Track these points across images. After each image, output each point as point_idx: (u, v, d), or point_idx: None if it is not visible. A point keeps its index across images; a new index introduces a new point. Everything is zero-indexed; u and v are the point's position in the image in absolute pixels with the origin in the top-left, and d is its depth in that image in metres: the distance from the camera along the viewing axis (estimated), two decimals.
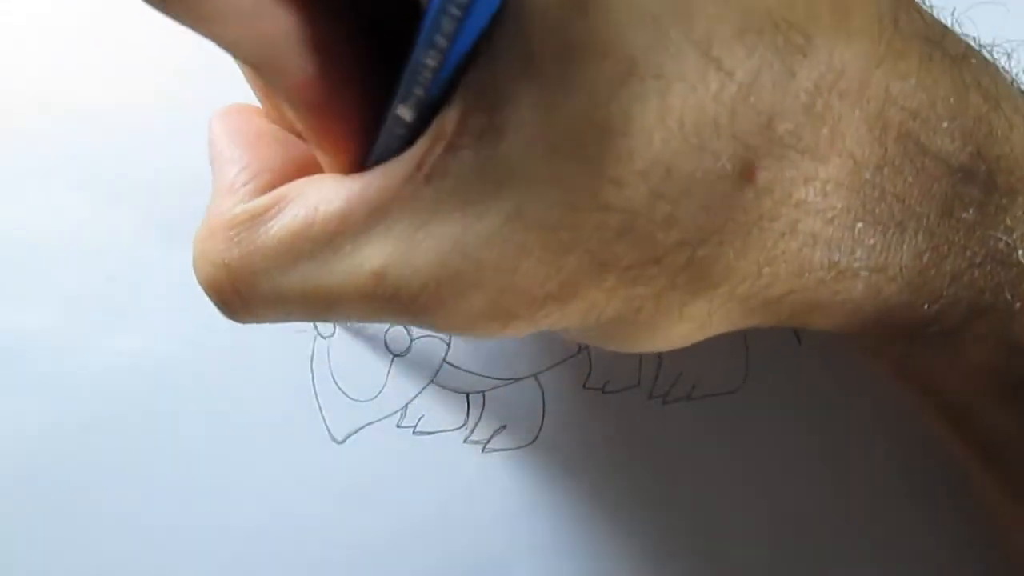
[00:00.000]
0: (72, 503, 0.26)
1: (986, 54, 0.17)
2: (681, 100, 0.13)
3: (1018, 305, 0.16)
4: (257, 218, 0.16)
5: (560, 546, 0.26)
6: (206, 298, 0.22)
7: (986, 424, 0.19)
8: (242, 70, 0.18)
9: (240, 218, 0.16)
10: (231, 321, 0.17)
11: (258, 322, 0.17)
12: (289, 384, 0.26)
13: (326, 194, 0.15)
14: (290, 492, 0.26)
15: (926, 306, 0.16)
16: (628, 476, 0.26)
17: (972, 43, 0.16)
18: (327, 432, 0.26)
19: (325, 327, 0.26)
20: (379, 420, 0.26)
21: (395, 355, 0.26)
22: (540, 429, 0.26)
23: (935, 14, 0.16)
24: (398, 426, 0.26)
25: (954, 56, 0.15)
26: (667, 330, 0.16)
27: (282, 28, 0.14)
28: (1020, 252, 0.16)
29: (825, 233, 0.15)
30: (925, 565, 0.26)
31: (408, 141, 0.15)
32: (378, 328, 0.26)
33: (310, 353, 0.26)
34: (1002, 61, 0.17)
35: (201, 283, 0.17)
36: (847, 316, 0.17)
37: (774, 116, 0.13)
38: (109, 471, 0.26)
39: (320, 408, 0.26)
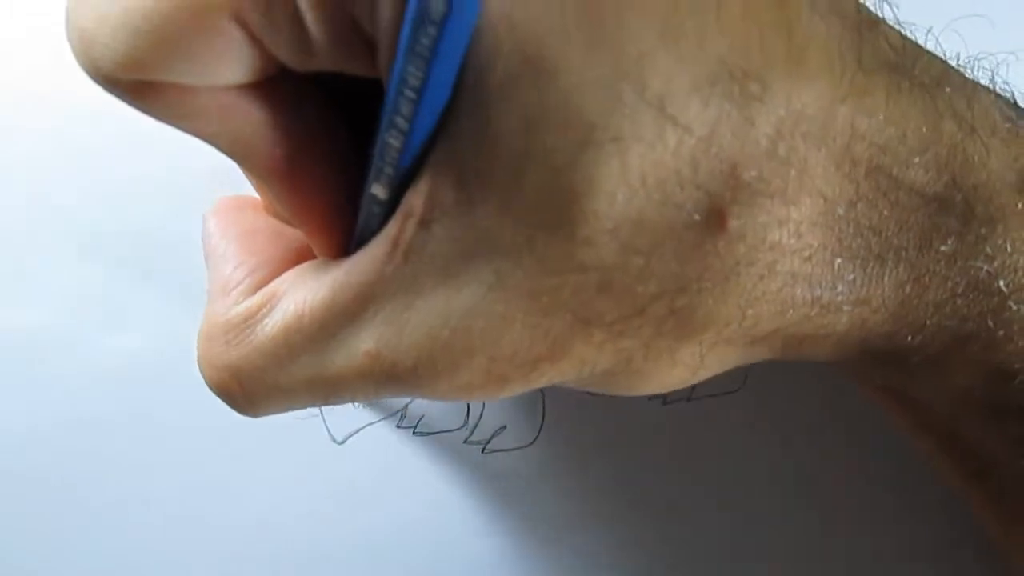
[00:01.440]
0: (70, 503, 0.26)
1: (967, 71, 0.16)
2: (640, 159, 0.13)
3: (1001, 333, 0.16)
4: (251, 319, 0.16)
5: (560, 546, 0.26)
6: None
7: (975, 448, 0.19)
8: None
9: (234, 321, 0.17)
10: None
11: (268, 414, 0.18)
12: None
13: (312, 285, 0.16)
14: (290, 493, 0.26)
15: (910, 337, 0.16)
16: (628, 476, 0.26)
17: (952, 62, 0.16)
18: (327, 433, 0.26)
19: None
20: (379, 421, 0.26)
21: None
22: (540, 429, 0.26)
23: (911, 34, 0.16)
24: (398, 427, 0.26)
25: (926, 83, 0.15)
26: (661, 376, 0.16)
27: (254, 120, 0.15)
28: (1001, 281, 0.16)
29: (804, 271, 0.15)
30: (925, 565, 0.26)
31: (387, 218, 0.15)
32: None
33: None
34: (985, 78, 0.17)
35: (208, 385, 0.17)
36: (834, 348, 0.17)
37: (737, 164, 0.13)
38: (108, 471, 0.26)
39: (320, 408, 0.26)
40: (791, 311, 0.15)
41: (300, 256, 0.18)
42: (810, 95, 0.14)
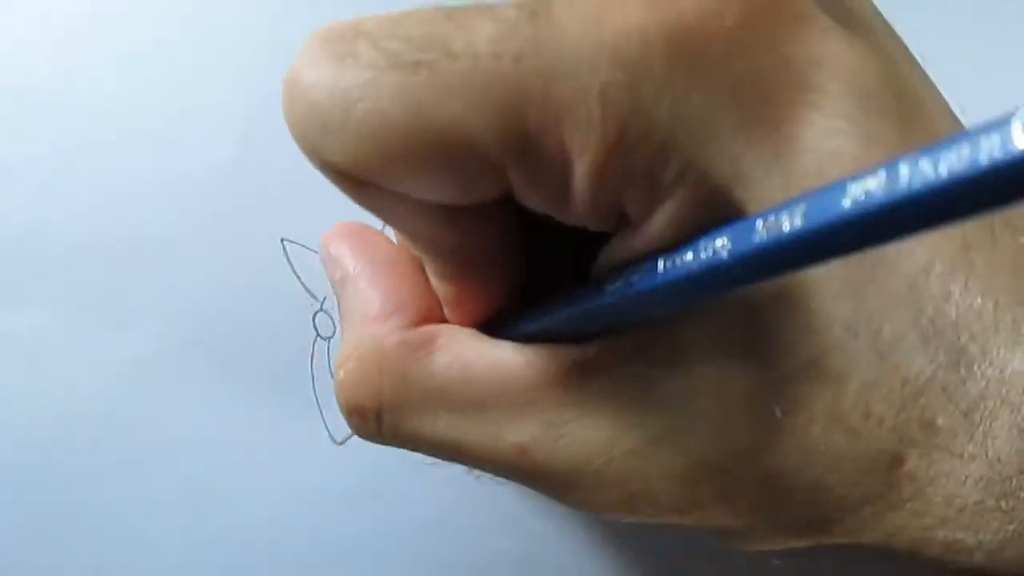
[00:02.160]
0: (71, 504, 0.26)
1: None
2: (853, 397, 0.14)
3: None
4: (410, 354, 0.16)
5: (560, 546, 0.26)
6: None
7: None
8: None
9: (393, 351, 0.16)
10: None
11: (382, 444, 0.18)
12: (289, 384, 0.26)
13: (486, 357, 0.16)
14: (289, 493, 0.26)
15: None
16: None
17: None
18: (327, 433, 0.26)
19: (325, 326, 0.26)
20: None
21: None
22: None
23: None
24: None
25: None
26: (766, 546, 0.17)
27: (455, 234, 0.14)
28: None
29: (955, 518, 0.15)
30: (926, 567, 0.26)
31: (563, 336, 0.15)
32: None
33: (310, 353, 0.26)
34: None
35: (344, 408, 0.17)
36: (955, 570, 0.17)
37: (936, 417, 0.14)
38: (108, 471, 0.26)
39: (320, 409, 0.26)
40: (929, 547, 0.16)
41: (439, 301, 0.18)
42: (1021, 366, 0.14)
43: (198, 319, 0.26)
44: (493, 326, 0.17)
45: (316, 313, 0.26)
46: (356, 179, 0.13)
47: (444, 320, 0.17)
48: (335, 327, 0.26)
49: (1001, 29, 0.27)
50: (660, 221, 0.12)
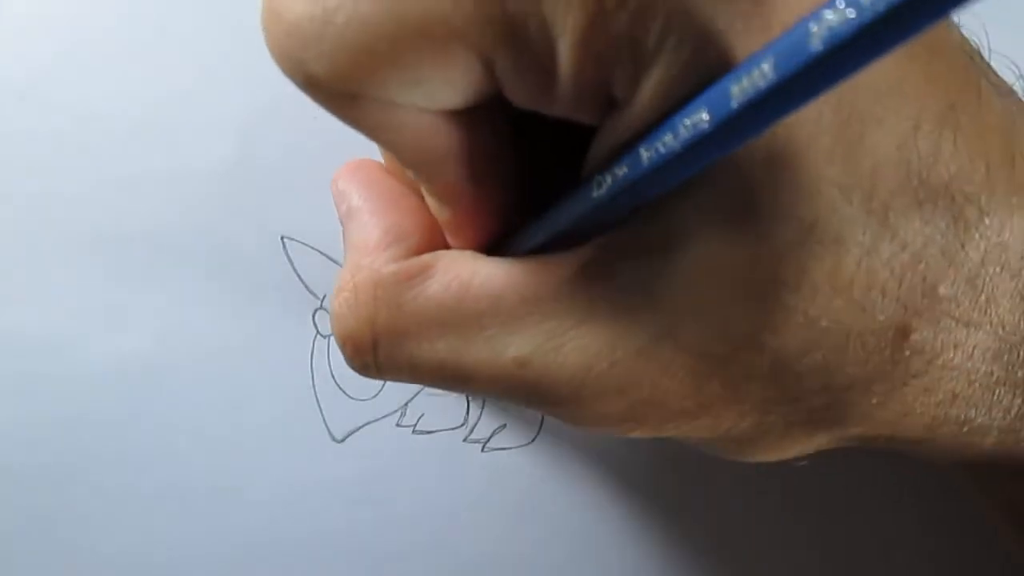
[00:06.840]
0: (70, 504, 0.26)
1: None
2: (854, 264, 0.13)
3: None
4: (405, 282, 0.16)
5: (560, 546, 0.26)
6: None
7: None
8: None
9: (388, 280, 0.16)
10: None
11: (383, 380, 0.17)
12: (289, 383, 0.26)
13: (481, 274, 0.15)
14: (289, 491, 0.26)
15: None
16: (628, 475, 0.26)
17: None
18: (327, 431, 0.26)
19: (324, 324, 0.26)
20: (379, 419, 0.26)
21: None
22: (540, 429, 0.26)
23: None
24: (398, 425, 0.26)
25: None
26: (783, 451, 0.16)
27: (445, 143, 0.14)
28: None
29: (965, 393, 0.15)
30: (929, 566, 0.26)
31: (565, 242, 0.15)
32: None
33: (310, 352, 0.26)
34: None
35: (339, 337, 0.17)
36: (969, 460, 0.17)
37: (938, 284, 0.14)
38: (108, 471, 0.26)
39: (320, 407, 0.26)
40: (942, 427, 0.15)
41: (439, 231, 0.17)
42: (1018, 229, 0.14)
43: (198, 318, 0.26)
44: (496, 251, 0.16)
45: (316, 310, 0.26)
46: (343, 93, 0.13)
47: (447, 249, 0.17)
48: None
49: None
50: (646, 94, 0.12)
